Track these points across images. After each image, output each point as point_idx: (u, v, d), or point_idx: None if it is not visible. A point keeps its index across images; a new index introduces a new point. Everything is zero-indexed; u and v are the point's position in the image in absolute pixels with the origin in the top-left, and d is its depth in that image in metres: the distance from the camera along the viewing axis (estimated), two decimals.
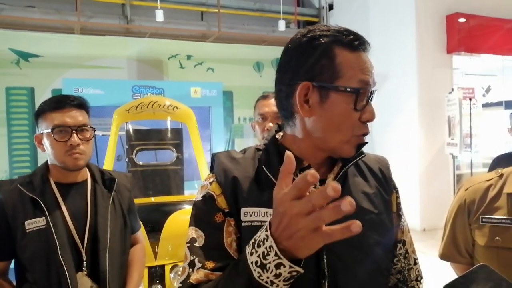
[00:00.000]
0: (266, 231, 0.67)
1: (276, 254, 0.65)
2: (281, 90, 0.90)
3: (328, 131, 0.85)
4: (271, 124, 1.92)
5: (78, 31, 7.44)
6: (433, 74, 6.52)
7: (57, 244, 1.47)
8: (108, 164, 3.39)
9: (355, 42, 0.86)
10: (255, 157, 0.92)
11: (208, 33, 8.38)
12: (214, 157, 0.94)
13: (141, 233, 1.92)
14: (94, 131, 1.62)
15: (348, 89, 0.83)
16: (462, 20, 6.46)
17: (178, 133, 3.67)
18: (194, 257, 0.84)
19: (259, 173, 0.88)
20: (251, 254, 0.68)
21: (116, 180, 1.70)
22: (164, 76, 7.82)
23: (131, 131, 3.59)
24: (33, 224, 1.48)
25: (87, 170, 1.68)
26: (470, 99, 6.27)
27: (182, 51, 7.90)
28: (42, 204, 1.50)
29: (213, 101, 6.98)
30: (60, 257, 1.46)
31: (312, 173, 0.59)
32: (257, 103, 2.07)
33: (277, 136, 0.95)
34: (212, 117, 7.00)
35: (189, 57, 7.95)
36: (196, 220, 0.89)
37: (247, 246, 0.71)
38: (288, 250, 0.65)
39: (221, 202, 0.87)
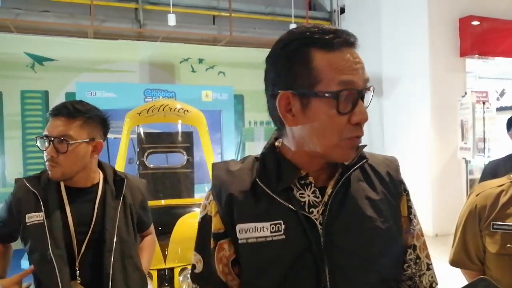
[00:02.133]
0: None
1: None
2: (268, 102, 0.87)
3: (315, 138, 0.81)
4: None
5: (91, 35, 7.54)
6: (446, 78, 6.45)
7: (49, 239, 1.48)
8: (119, 167, 3.42)
9: (334, 41, 0.79)
10: (253, 167, 0.89)
11: (219, 37, 8.42)
12: (213, 167, 0.92)
13: (152, 227, 1.94)
14: (76, 144, 1.51)
15: (327, 94, 0.77)
16: (475, 23, 6.38)
17: (188, 136, 3.69)
18: (196, 285, 0.88)
19: (255, 185, 0.86)
20: None
21: (128, 180, 1.70)
22: (175, 79, 7.87)
23: (142, 134, 3.62)
24: (33, 218, 1.52)
25: (100, 172, 1.68)
26: (484, 103, 6.18)
27: (194, 55, 7.95)
28: (40, 199, 1.53)
29: (224, 104, 7.00)
30: (51, 252, 1.47)
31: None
32: None
33: (276, 144, 0.91)
34: (223, 121, 7.02)
35: (200, 60, 7.99)
36: (196, 244, 0.91)
37: None
38: None
39: (217, 222, 0.87)
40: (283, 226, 0.82)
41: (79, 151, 1.53)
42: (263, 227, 0.82)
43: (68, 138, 1.50)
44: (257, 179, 0.86)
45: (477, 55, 6.49)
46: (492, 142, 6.56)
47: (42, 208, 1.51)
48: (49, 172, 1.54)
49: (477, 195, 1.26)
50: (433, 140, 6.41)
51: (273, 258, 0.81)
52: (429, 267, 0.96)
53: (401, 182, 0.95)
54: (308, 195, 0.85)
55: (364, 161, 0.88)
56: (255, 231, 0.82)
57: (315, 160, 0.86)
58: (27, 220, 1.52)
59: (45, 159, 1.54)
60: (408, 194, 0.96)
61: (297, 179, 0.85)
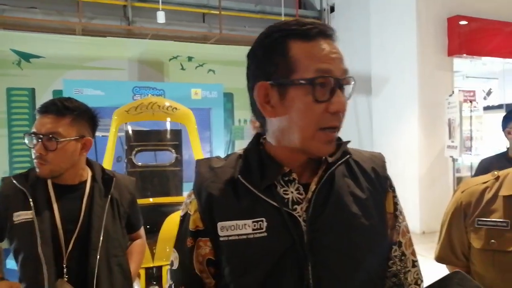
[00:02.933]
0: None
1: None
2: (250, 97, 0.87)
3: (293, 128, 0.80)
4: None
5: (79, 32, 7.46)
6: (433, 77, 6.51)
7: (38, 237, 1.46)
8: (107, 165, 3.39)
9: (311, 31, 0.80)
10: (236, 165, 0.88)
11: (209, 34, 8.39)
12: (196, 164, 0.92)
13: (143, 230, 1.93)
14: (65, 142, 1.50)
15: (302, 81, 0.77)
16: (463, 22, 6.45)
17: (177, 134, 3.67)
18: (172, 282, 0.88)
19: (237, 182, 0.85)
20: None
21: (116, 179, 1.68)
22: (165, 77, 7.83)
23: (130, 132, 3.60)
24: (21, 216, 1.50)
25: (88, 170, 1.66)
26: (471, 102, 6.25)
27: (183, 53, 7.91)
28: (29, 197, 1.51)
29: (213, 102, 6.98)
30: (40, 250, 1.45)
31: None
32: None
33: (261, 140, 0.91)
34: (213, 119, 7.00)
35: (190, 58, 7.96)
36: (176, 240, 0.91)
37: None
38: None
39: (196, 219, 0.87)
40: (265, 224, 0.81)
41: (68, 149, 1.52)
42: (245, 224, 0.81)
43: (57, 136, 1.49)
44: (239, 176, 0.85)
45: (464, 55, 6.56)
46: (479, 141, 6.65)
47: (32, 206, 1.50)
48: (37, 170, 1.52)
49: (462, 192, 1.27)
50: (421, 138, 6.47)
51: (255, 256, 0.81)
52: (414, 264, 0.96)
53: (387, 179, 0.95)
54: (292, 192, 0.84)
55: (347, 156, 0.87)
56: (236, 229, 0.82)
57: (296, 156, 0.85)
58: (14, 219, 1.50)
59: (33, 157, 1.52)
60: (394, 191, 0.96)
61: (280, 176, 0.85)
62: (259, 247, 0.81)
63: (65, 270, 1.50)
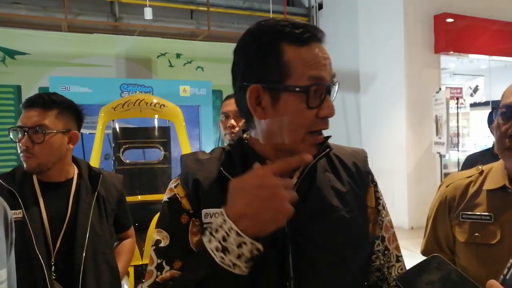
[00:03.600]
0: (222, 215, 0.71)
1: (237, 234, 0.69)
2: (236, 94, 0.88)
3: (284, 131, 0.82)
4: (233, 121, 2.00)
5: (65, 29, 7.37)
6: (420, 74, 6.58)
7: (32, 236, 1.45)
8: (94, 163, 3.35)
9: (304, 35, 0.80)
10: (220, 157, 0.90)
11: (197, 31, 8.35)
12: (182, 158, 0.92)
13: (132, 230, 1.92)
14: (52, 134, 1.51)
15: (297, 89, 0.79)
16: (450, 20, 6.52)
17: (165, 131, 3.65)
18: (162, 259, 0.83)
19: (221, 174, 0.86)
20: (210, 241, 0.71)
21: (103, 176, 1.67)
22: (153, 74, 7.77)
23: (117, 129, 3.57)
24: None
25: (75, 167, 1.65)
26: (458, 99, 6.33)
27: (171, 50, 7.86)
28: (18, 196, 1.49)
29: (202, 100, 6.95)
30: (37, 249, 1.44)
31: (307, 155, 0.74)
32: (222, 103, 2.19)
33: (245, 136, 0.92)
34: (201, 116, 6.97)
35: (178, 55, 7.91)
36: (161, 222, 0.88)
37: (203, 236, 0.74)
38: (249, 230, 0.69)
39: (185, 203, 0.86)
40: None
41: (54, 141, 1.52)
42: None
43: (44, 128, 1.49)
44: (221, 169, 0.86)
45: (451, 52, 6.64)
46: (466, 137, 6.74)
47: (21, 204, 1.48)
48: (24, 164, 1.51)
49: (447, 186, 1.29)
50: (409, 135, 6.54)
51: None
52: (398, 259, 0.97)
53: (369, 173, 0.97)
54: None
55: (327, 150, 0.89)
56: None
57: (282, 153, 0.85)
58: None
59: (19, 151, 1.50)
60: (376, 186, 0.97)
61: None
62: None
63: (53, 268, 1.48)
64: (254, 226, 0.70)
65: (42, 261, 1.44)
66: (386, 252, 0.95)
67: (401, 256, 0.98)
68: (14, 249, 1.44)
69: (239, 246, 0.69)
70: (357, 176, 0.93)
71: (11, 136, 1.52)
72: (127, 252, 1.84)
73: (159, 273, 0.82)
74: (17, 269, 1.44)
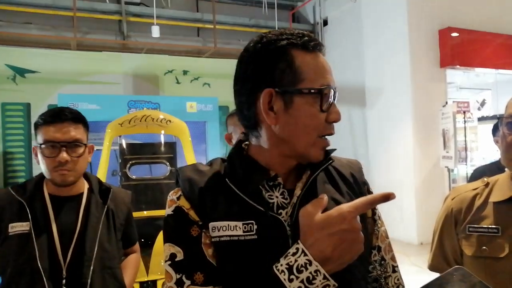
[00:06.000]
0: (305, 255, 0.71)
1: (324, 277, 0.70)
2: (241, 102, 0.87)
3: (296, 135, 0.82)
4: None
5: (74, 47, 7.49)
6: (427, 88, 6.57)
7: (36, 250, 1.45)
8: (100, 178, 3.37)
9: (310, 44, 0.84)
10: (221, 168, 0.89)
11: (204, 48, 8.45)
12: (178, 171, 0.90)
13: (138, 246, 1.92)
14: (86, 147, 1.57)
15: (313, 91, 0.81)
16: (455, 34, 6.54)
17: (171, 146, 3.67)
18: (181, 274, 0.80)
19: (225, 185, 0.85)
20: (291, 280, 0.71)
21: (112, 190, 1.69)
22: (160, 91, 7.85)
23: (124, 145, 3.59)
24: (17, 227, 1.48)
25: (85, 182, 1.66)
26: (465, 113, 6.30)
27: (178, 67, 7.95)
28: (27, 209, 1.49)
29: (209, 116, 7.00)
30: (39, 263, 1.43)
31: (392, 194, 0.73)
32: (230, 117, 2.26)
33: (243, 146, 0.92)
34: (208, 132, 7.00)
35: (185, 72, 8.00)
36: (170, 236, 0.85)
37: (279, 272, 0.72)
38: (331, 271, 0.72)
39: (193, 215, 0.84)
40: (255, 226, 0.81)
41: (86, 155, 1.58)
42: (236, 225, 0.81)
43: (80, 142, 1.55)
44: (226, 179, 0.86)
45: (457, 66, 6.63)
46: (474, 151, 6.68)
47: (30, 217, 1.48)
48: (59, 179, 1.51)
49: (452, 199, 1.27)
50: (416, 149, 6.50)
51: (245, 258, 0.80)
52: (394, 269, 0.97)
53: (365, 183, 0.98)
54: (277, 197, 0.85)
55: (330, 162, 0.89)
56: (228, 229, 0.81)
57: (287, 161, 0.86)
58: (10, 230, 1.47)
59: (51, 166, 1.50)
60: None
61: (265, 181, 0.85)
62: (250, 249, 0.80)
63: (63, 281, 1.48)
64: (336, 267, 0.72)
65: (43, 275, 1.43)
66: (382, 262, 0.95)
67: (397, 266, 0.98)
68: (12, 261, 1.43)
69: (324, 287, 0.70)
70: (355, 186, 0.94)
71: (42, 153, 1.50)
72: (133, 267, 1.84)
73: None
74: (18, 282, 1.44)
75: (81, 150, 1.54)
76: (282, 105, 0.82)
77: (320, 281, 0.70)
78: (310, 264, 0.70)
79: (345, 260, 0.72)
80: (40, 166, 1.56)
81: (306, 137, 0.83)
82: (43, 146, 1.50)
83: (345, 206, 0.74)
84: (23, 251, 1.45)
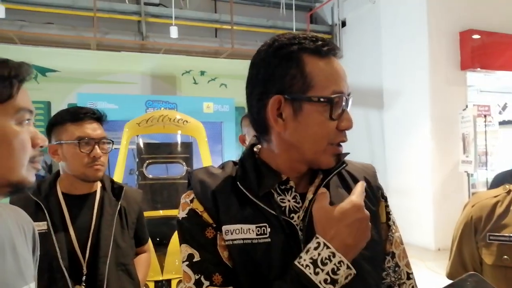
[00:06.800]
0: (328, 248, 0.73)
1: (348, 267, 0.74)
2: (252, 106, 0.86)
3: (305, 143, 0.82)
4: None
5: (94, 47, 7.61)
6: (446, 91, 6.46)
7: (57, 248, 1.47)
8: (117, 178, 3.41)
9: (323, 48, 0.82)
10: (233, 171, 0.88)
11: (221, 49, 8.49)
12: (191, 174, 0.90)
13: (148, 245, 1.93)
14: (113, 144, 1.65)
15: (322, 99, 0.79)
16: (476, 36, 6.41)
17: (187, 146, 3.69)
18: (199, 275, 0.80)
19: (237, 188, 0.85)
20: (317, 273, 0.72)
21: (125, 189, 1.72)
22: (177, 91, 7.91)
23: (141, 144, 3.62)
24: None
25: (98, 181, 1.69)
26: (486, 116, 6.17)
27: (196, 67, 8.00)
28: (44, 208, 1.52)
29: (225, 116, 7.02)
30: (60, 262, 1.46)
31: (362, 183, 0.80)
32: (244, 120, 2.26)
33: (255, 149, 0.91)
34: (224, 132, 7.03)
35: (202, 73, 8.04)
36: (186, 238, 0.84)
37: (303, 267, 0.73)
38: (351, 259, 0.75)
39: (207, 217, 0.84)
40: (268, 229, 0.81)
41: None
42: (249, 229, 0.81)
43: (108, 139, 1.62)
44: (238, 183, 0.85)
45: (478, 68, 6.50)
46: (494, 156, 6.53)
47: (47, 217, 1.51)
48: (93, 174, 1.56)
49: (472, 206, 1.24)
50: (434, 153, 6.39)
51: (259, 261, 0.80)
52: (409, 276, 0.95)
53: (379, 188, 0.96)
54: (289, 200, 0.84)
55: (344, 166, 0.88)
56: (241, 233, 0.81)
57: (298, 166, 0.86)
58: None
59: (85, 162, 1.54)
60: (386, 200, 0.97)
61: (277, 184, 0.85)
62: (263, 252, 0.80)
63: (83, 278, 1.50)
64: (354, 255, 0.76)
65: (65, 273, 1.45)
66: (396, 269, 0.93)
67: (411, 273, 0.96)
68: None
69: (346, 277, 0.74)
70: (369, 191, 0.92)
71: (81, 149, 1.54)
72: (145, 266, 1.86)
73: None
74: (40, 282, 1.46)
75: (109, 146, 1.62)
76: (291, 112, 0.81)
77: (344, 271, 0.72)
78: (334, 256, 0.73)
79: (361, 246, 0.76)
80: (64, 163, 1.57)
81: (315, 144, 0.82)
82: (81, 142, 1.54)
83: (354, 197, 0.77)
84: (44, 251, 1.47)
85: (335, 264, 0.72)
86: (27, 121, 0.85)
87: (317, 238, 0.75)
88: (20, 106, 0.84)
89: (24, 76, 0.86)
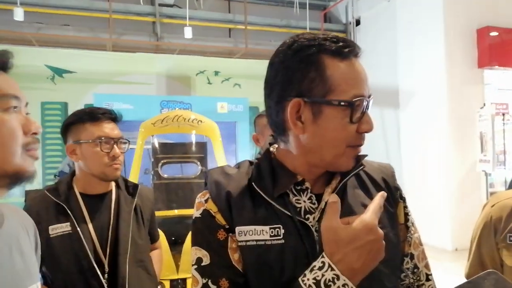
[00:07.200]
0: (332, 270, 0.70)
1: None
2: (270, 107, 0.85)
3: (324, 147, 0.81)
4: None
5: (110, 48, 7.70)
6: (463, 89, 6.36)
7: (87, 248, 1.49)
8: (133, 177, 3.44)
9: (344, 50, 0.80)
10: (248, 171, 0.88)
11: (235, 49, 8.50)
12: (207, 174, 0.90)
13: (159, 243, 1.96)
14: (129, 143, 1.68)
15: (343, 103, 0.78)
16: (494, 34, 6.29)
17: (202, 146, 3.70)
18: (206, 279, 0.80)
19: (251, 189, 0.84)
20: None
21: (139, 187, 1.74)
22: (192, 91, 7.96)
23: (156, 144, 3.65)
24: (57, 229, 1.51)
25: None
26: (504, 115, 6.06)
27: (210, 67, 8.04)
28: (67, 209, 1.53)
29: (239, 116, 7.03)
30: (86, 261, 1.48)
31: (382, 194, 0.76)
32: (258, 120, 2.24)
33: (271, 149, 0.90)
34: (238, 132, 7.05)
35: (216, 73, 8.07)
36: (197, 239, 0.85)
37: (306, 287, 0.71)
38: (359, 280, 0.72)
39: (220, 219, 0.83)
40: (282, 231, 0.80)
41: None
42: (262, 230, 0.81)
43: (124, 138, 1.65)
44: (253, 183, 0.85)
45: (496, 66, 6.38)
46: None
47: (73, 217, 1.52)
48: (112, 173, 1.58)
49: (492, 206, 1.22)
50: (451, 152, 6.30)
51: (272, 263, 0.80)
52: (428, 277, 0.93)
53: (398, 189, 0.94)
54: (304, 201, 0.84)
55: (361, 167, 0.87)
56: (254, 234, 0.81)
57: (315, 169, 0.85)
58: (50, 232, 1.50)
59: (105, 161, 1.56)
60: (405, 201, 0.95)
61: (293, 185, 0.84)
62: (277, 254, 0.80)
63: (106, 275, 1.52)
64: (361, 277, 0.72)
65: (91, 272, 1.48)
66: (415, 270, 0.92)
67: (431, 274, 0.95)
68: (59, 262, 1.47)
69: None
70: (387, 191, 0.90)
71: (102, 148, 1.55)
72: (157, 262, 1.88)
73: None
74: (64, 282, 1.47)
75: (126, 146, 1.65)
76: (311, 116, 0.80)
77: None
78: (338, 278, 0.70)
79: (370, 269, 0.73)
80: (82, 163, 1.58)
81: (335, 149, 0.81)
82: (102, 141, 1.55)
83: (367, 217, 0.72)
84: (70, 251, 1.49)
85: (338, 287, 0.70)
86: (14, 108, 0.82)
87: (323, 257, 0.72)
88: (1, 93, 0.80)
89: (5, 62, 0.83)
